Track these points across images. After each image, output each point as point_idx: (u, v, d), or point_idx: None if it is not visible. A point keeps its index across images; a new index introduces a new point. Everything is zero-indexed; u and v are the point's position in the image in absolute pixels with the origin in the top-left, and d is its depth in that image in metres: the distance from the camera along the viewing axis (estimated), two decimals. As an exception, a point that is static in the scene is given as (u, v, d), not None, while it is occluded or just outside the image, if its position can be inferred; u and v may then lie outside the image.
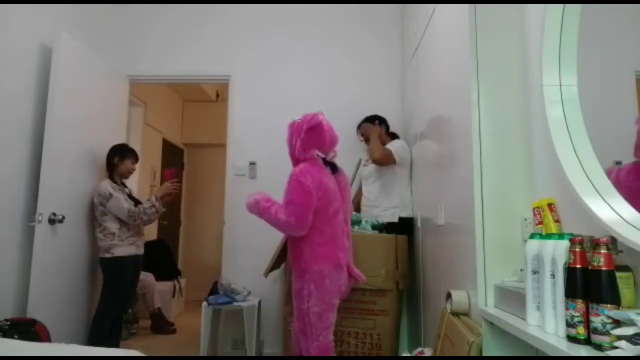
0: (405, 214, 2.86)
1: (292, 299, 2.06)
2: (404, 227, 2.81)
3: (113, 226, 2.79)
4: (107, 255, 2.77)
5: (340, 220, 2.08)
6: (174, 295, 4.54)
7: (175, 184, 2.99)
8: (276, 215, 1.99)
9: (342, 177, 2.22)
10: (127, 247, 2.81)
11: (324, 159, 2.11)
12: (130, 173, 3.02)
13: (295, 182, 1.96)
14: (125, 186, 3.02)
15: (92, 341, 2.69)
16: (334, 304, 2.01)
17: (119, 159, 2.94)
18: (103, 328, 2.74)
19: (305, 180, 1.95)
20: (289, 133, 2.13)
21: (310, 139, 2.06)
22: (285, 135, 2.15)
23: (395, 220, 2.81)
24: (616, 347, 0.90)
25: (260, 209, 2.04)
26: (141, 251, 2.96)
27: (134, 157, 3.02)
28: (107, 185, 2.83)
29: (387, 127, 3.11)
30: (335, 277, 1.99)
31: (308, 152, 2.06)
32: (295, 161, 2.10)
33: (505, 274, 1.56)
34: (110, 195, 2.78)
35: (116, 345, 2.82)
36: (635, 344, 0.86)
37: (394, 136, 3.11)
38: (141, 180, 4.34)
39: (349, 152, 2.95)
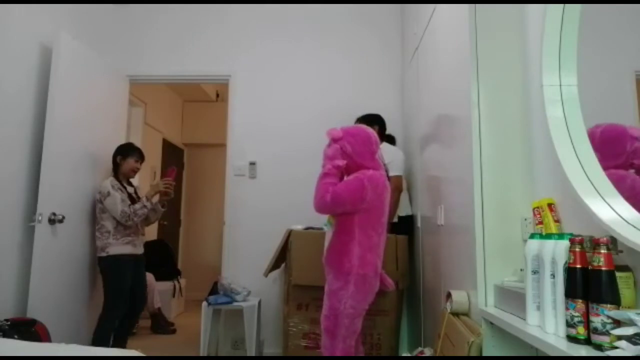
0: (404, 213, 2.87)
1: (325, 297, 2.06)
2: (404, 225, 2.81)
3: (109, 224, 2.80)
4: (103, 254, 2.77)
5: (385, 232, 2.12)
6: (174, 295, 4.54)
7: (167, 182, 2.93)
8: (324, 188, 1.99)
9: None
10: (122, 246, 2.80)
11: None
12: (134, 172, 3.01)
13: (357, 180, 2.01)
14: (132, 185, 3.02)
15: (93, 342, 2.68)
16: (365, 309, 2.04)
17: (121, 157, 2.95)
18: (105, 330, 2.73)
19: (367, 183, 1.99)
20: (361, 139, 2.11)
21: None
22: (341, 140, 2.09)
23: (395, 220, 2.81)
24: (616, 347, 0.90)
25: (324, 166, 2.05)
26: (139, 251, 2.93)
27: (138, 155, 3.00)
28: (107, 184, 2.83)
29: (384, 127, 3.01)
30: (374, 284, 2.04)
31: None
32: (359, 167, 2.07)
33: (505, 274, 1.56)
34: (108, 193, 2.79)
35: (122, 346, 2.84)
36: (635, 344, 0.86)
37: (389, 139, 3.07)
38: (141, 180, 4.34)
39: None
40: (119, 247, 2.78)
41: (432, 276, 2.39)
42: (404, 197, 2.92)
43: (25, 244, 2.51)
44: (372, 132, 2.15)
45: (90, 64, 3.00)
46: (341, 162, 2.03)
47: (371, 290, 2.03)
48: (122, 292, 2.78)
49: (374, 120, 2.97)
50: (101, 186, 2.84)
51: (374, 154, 2.10)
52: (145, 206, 2.83)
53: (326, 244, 2.11)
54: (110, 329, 2.76)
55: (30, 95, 2.62)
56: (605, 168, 1.18)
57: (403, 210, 2.88)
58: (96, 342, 2.66)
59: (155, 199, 2.98)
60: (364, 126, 2.22)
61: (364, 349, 2.33)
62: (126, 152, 2.97)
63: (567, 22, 1.33)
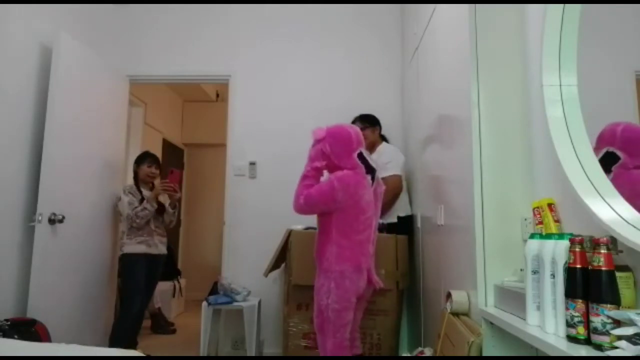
0: (403, 213, 2.86)
1: (314, 295, 2.14)
2: (404, 225, 2.81)
3: (124, 226, 3.04)
4: (120, 253, 3.01)
5: (370, 229, 2.12)
6: (174, 295, 4.54)
7: (165, 185, 3.06)
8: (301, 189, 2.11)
9: (379, 187, 2.22)
10: (135, 245, 2.98)
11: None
12: (150, 177, 3.17)
13: (328, 181, 2.07)
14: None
15: (112, 339, 2.84)
16: (352, 302, 2.07)
17: (136, 165, 3.18)
18: (121, 329, 2.88)
19: (336, 184, 2.04)
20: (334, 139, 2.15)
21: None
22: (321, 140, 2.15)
23: (394, 220, 2.81)
24: (616, 347, 0.90)
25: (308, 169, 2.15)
26: (155, 251, 3.06)
27: (150, 161, 3.17)
28: (119, 189, 3.10)
29: (381, 127, 3.04)
30: (355, 279, 2.05)
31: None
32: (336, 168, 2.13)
33: (505, 274, 1.56)
34: (119, 198, 3.05)
35: (132, 343, 2.96)
36: (635, 344, 0.86)
37: (383, 138, 3.06)
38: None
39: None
40: (132, 246, 2.99)
41: (432, 276, 2.39)
42: (403, 197, 2.91)
43: (25, 244, 2.51)
44: (353, 131, 2.17)
45: (90, 64, 3.00)
46: (319, 164, 2.12)
47: (352, 285, 2.04)
48: (134, 291, 2.92)
49: (376, 121, 2.99)
50: (118, 191, 3.11)
51: (351, 153, 2.11)
52: (145, 208, 2.96)
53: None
54: (127, 328, 2.90)
55: (30, 95, 2.62)
56: (631, 168, 1.16)
57: (402, 210, 2.87)
58: (112, 342, 2.81)
59: (165, 200, 3.15)
60: (346, 125, 2.24)
61: (360, 344, 2.34)
62: (140, 160, 3.19)
63: (567, 22, 1.33)
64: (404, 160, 2.91)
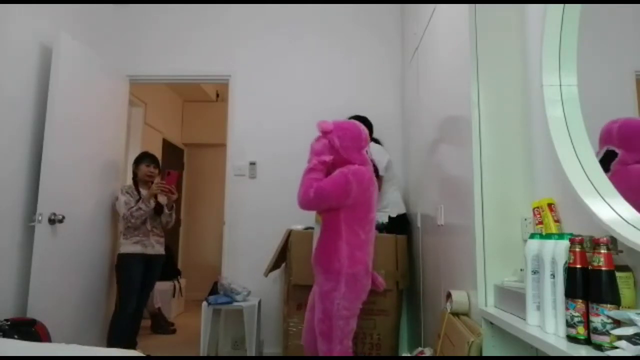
0: (395, 213, 2.85)
1: (317, 300, 2.00)
2: (400, 224, 2.80)
3: (121, 225, 3.05)
4: (118, 253, 3.01)
5: (373, 229, 2.07)
6: (174, 295, 4.54)
7: (161, 186, 3.06)
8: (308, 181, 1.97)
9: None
10: (130, 246, 2.99)
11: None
12: (149, 177, 3.17)
13: (341, 174, 1.96)
14: None
15: (109, 339, 2.85)
16: (358, 308, 1.99)
17: (135, 166, 3.19)
18: (117, 329, 2.89)
19: (351, 177, 1.95)
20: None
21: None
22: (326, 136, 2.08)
23: (385, 220, 2.78)
24: (616, 347, 0.90)
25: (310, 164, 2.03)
26: (151, 251, 3.07)
27: (148, 161, 3.18)
28: (118, 188, 3.12)
29: (372, 131, 2.98)
30: (365, 282, 1.99)
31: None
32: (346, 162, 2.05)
33: (505, 274, 1.56)
34: (117, 197, 3.07)
35: (132, 343, 2.97)
36: (635, 344, 0.86)
37: (375, 141, 3.02)
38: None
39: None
40: (127, 246, 2.99)
41: (432, 276, 2.39)
42: (394, 196, 2.89)
43: (25, 244, 2.51)
44: (363, 128, 2.11)
45: (90, 64, 3.00)
46: (327, 158, 1.99)
47: (363, 289, 1.99)
48: (129, 291, 2.93)
49: (365, 124, 2.96)
50: (117, 192, 3.12)
51: (361, 149, 2.05)
52: (140, 208, 2.98)
53: (314, 243, 2.06)
54: (123, 328, 2.90)
55: (30, 95, 2.62)
56: (629, 163, 1.16)
57: (394, 210, 2.84)
58: (109, 342, 2.83)
59: (164, 200, 3.15)
60: (356, 122, 2.16)
61: (358, 346, 2.32)
62: (138, 160, 3.20)
63: (567, 22, 1.33)
64: (389, 159, 2.89)
